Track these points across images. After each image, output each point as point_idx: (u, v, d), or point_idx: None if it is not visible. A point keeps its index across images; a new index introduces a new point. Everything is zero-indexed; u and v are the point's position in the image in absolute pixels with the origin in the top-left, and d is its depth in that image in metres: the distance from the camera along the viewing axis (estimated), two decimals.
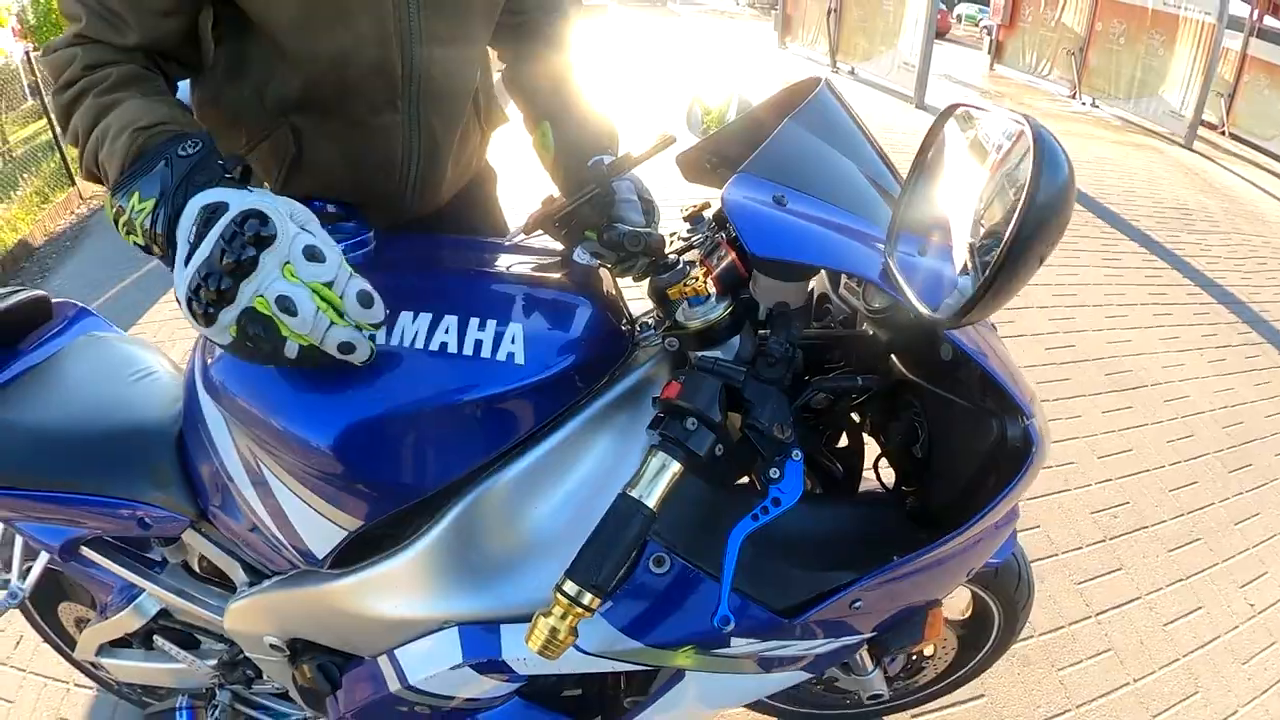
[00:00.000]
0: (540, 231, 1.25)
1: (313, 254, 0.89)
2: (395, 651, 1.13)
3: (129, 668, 1.86)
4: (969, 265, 0.84)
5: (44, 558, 1.70)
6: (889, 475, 1.24)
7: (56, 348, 1.75)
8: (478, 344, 1.02)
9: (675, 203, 1.23)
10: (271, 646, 1.36)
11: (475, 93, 1.51)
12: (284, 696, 1.68)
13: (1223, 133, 13.21)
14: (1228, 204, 7.92)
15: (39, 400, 1.60)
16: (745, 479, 1.08)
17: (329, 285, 0.89)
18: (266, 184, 1.32)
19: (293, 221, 0.90)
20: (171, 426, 1.43)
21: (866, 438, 1.27)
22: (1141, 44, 12.69)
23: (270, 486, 1.13)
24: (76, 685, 2.39)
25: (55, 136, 9.24)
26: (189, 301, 0.87)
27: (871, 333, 1.15)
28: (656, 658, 1.08)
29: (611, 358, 1.13)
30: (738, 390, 0.94)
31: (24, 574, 1.77)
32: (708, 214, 1.13)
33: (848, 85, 12.54)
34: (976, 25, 27.29)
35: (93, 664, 1.93)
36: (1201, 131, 11.85)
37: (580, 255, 1.18)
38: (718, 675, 1.14)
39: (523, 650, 1.00)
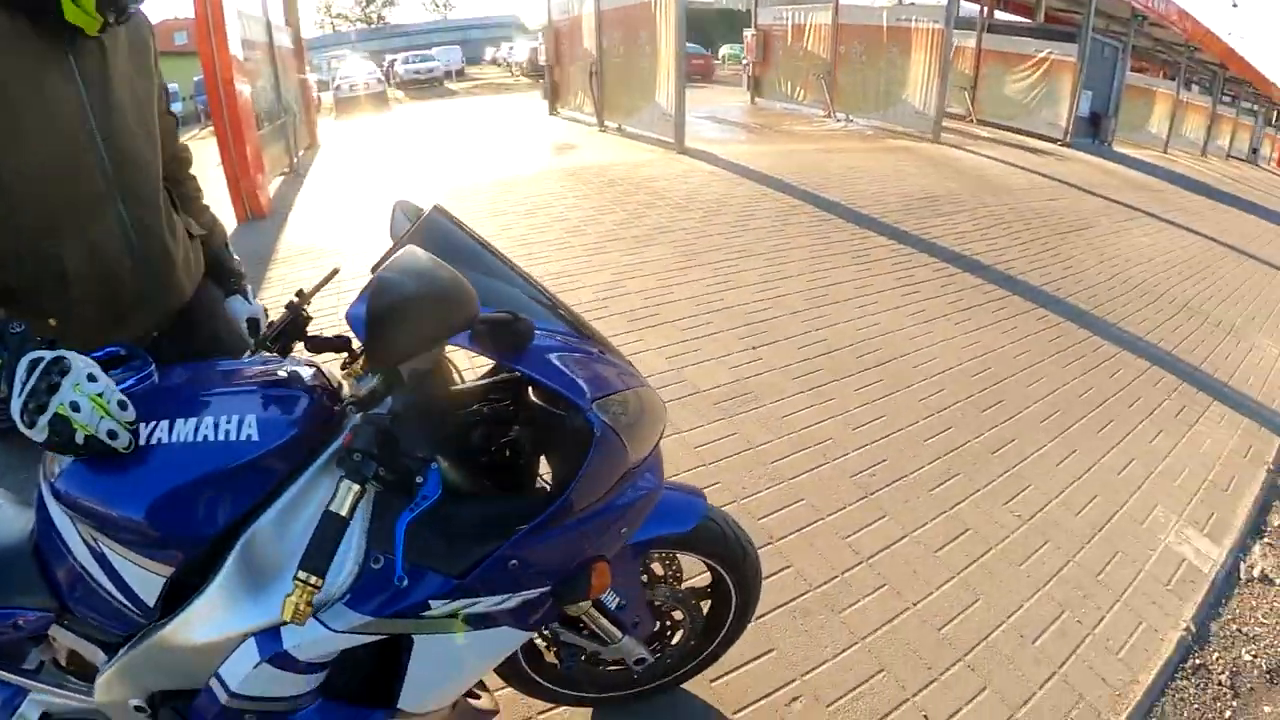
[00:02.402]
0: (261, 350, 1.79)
1: (92, 377, 1.41)
2: (219, 670, 1.50)
3: None
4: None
5: None
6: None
7: None
8: (226, 432, 1.44)
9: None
10: (136, 709, 1.66)
11: (165, 191, 2.01)
12: None
13: (970, 121, 14.57)
14: (975, 183, 8.76)
15: None
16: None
17: (100, 395, 1.40)
18: (52, 320, 1.81)
19: (80, 361, 1.43)
20: (25, 541, 1.70)
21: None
22: (882, 58, 13.91)
23: (107, 557, 1.49)
24: None
25: None
26: (20, 415, 1.38)
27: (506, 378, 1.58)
28: (385, 626, 1.47)
29: (326, 427, 1.53)
30: (389, 433, 1.34)
31: None
32: None
33: (617, 140, 13.18)
34: (740, 64, 28.85)
35: None
36: (952, 125, 13.00)
37: (294, 361, 1.68)
38: (439, 637, 1.52)
39: (295, 640, 1.39)
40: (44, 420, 1.37)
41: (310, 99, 15.72)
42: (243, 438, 1.45)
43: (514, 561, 1.45)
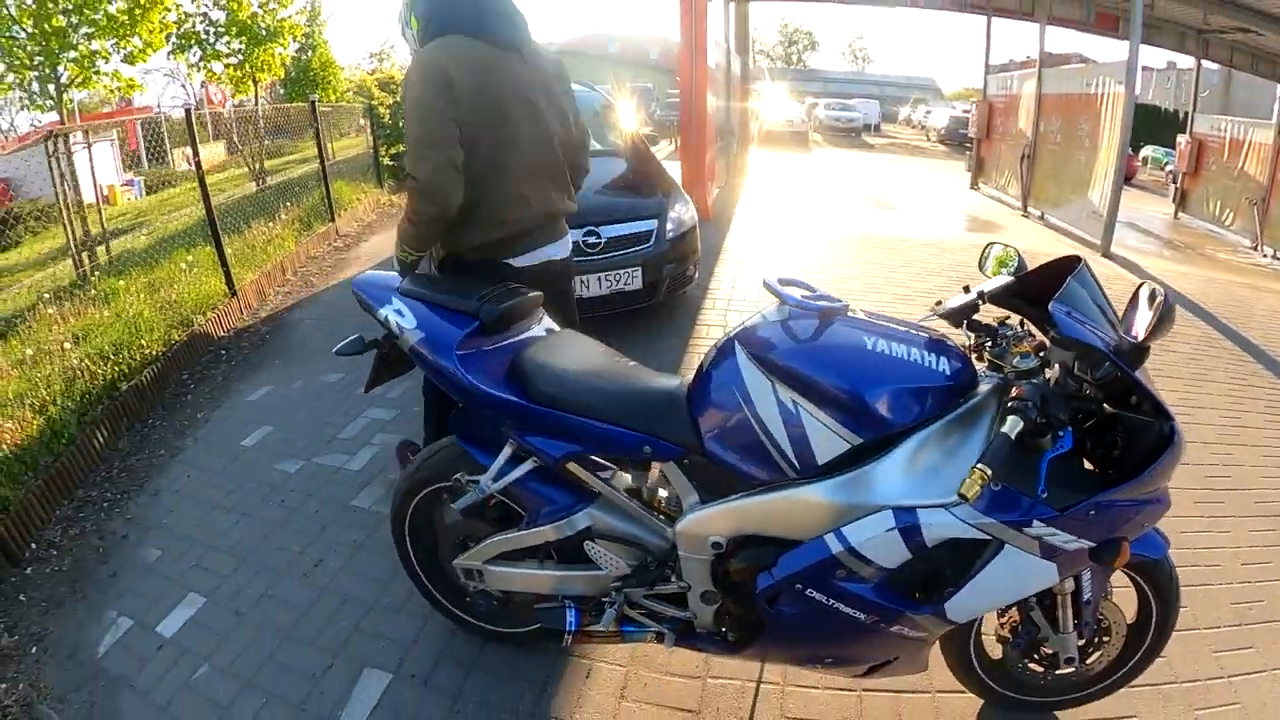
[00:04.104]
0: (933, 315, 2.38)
1: None
2: (842, 528, 2.07)
3: (516, 575, 2.67)
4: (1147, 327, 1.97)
5: (521, 469, 2.50)
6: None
7: (546, 331, 2.74)
8: (930, 362, 2.10)
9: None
10: (712, 545, 2.28)
11: None
12: (671, 601, 2.51)
13: None
14: None
15: (562, 357, 2.51)
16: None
17: None
18: None
19: None
20: (678, 389, 2.33)
21: None
22: None
23: (802, 420, 2.10)
24: (377, 608, 3.32)
25: (325, 173, 10.79)
26: None
27: (1089, 392, 2.14)
28: (996, 529, 2.01)
29: (974, 383, 2.15)
30: (1045, 397, 1.95)
31: (497, 478, 2.52)
32: (1011, 320, 2.31)
33: (1039, 229, 13.29)
34: (1162, 169, 27.15)
35: (467, 571, 2.75)
36: None
37: (970, 334, 2.32)
38: (1020, 553, 2.04)
39: (930, 520, 2.01)
40: None
41: (748, 125, 16.87)
42: (939, 369, 2.08)
43: (1092, 512, 2.01)
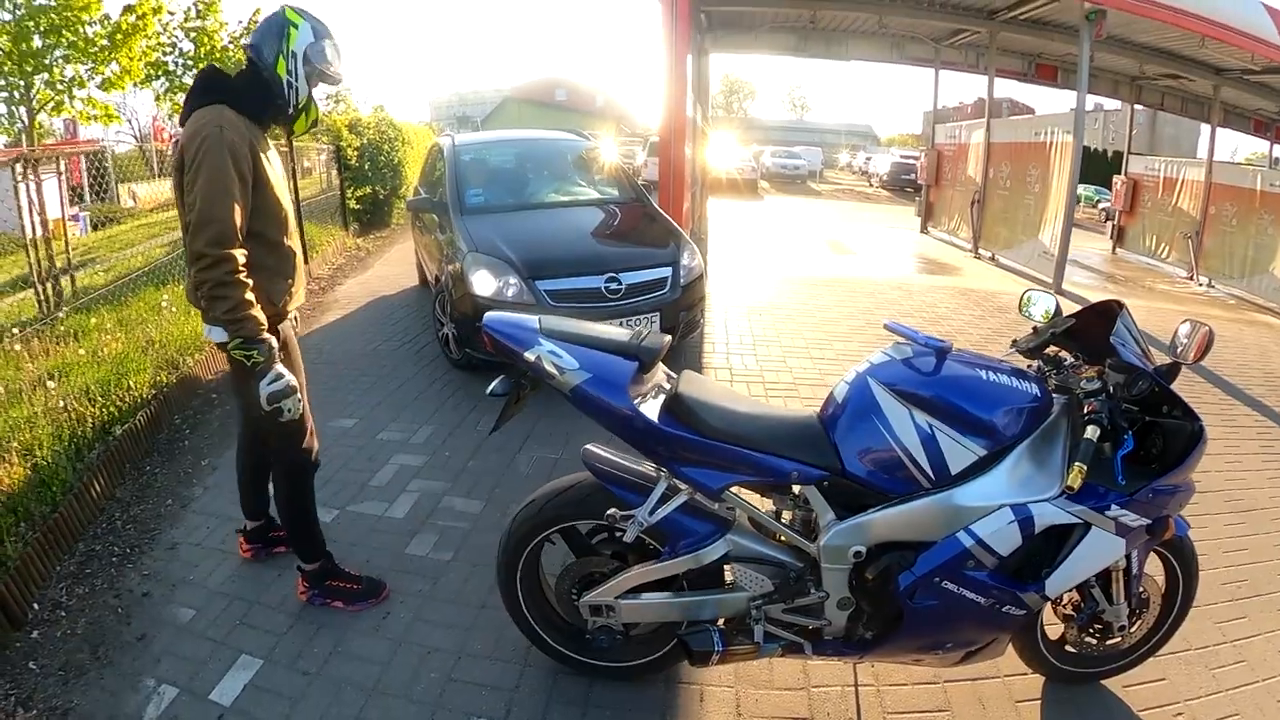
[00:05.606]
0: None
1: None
2: (971, 526, 2.45)
3: (652, 606, 2.79)
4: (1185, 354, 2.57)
5: (675, 503, 2.63)
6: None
7: (675, 377, 2.78)
8: (1024, 387, 2.55)
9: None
10: (853, 554, 2.55)
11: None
12: (803, 612, 2.71)
13: None
14: None
15: (711, 394, 2.68)
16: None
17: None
18: None
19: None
20: (811, 419, 2.65)
21: None
22: (1252, 224, 13.47)
23: (937, 439, 2.48)
24: (466, 655, 3.22)
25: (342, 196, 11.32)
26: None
27: (1124, 406, 2.54)
28: (1086, 514, 2.47)
29: (1051, 403, 2.59)
30: (1112, 409, 2.43)
31: (653, 512, 2.62)
32: (1064, 356, 2.82)
33: (993, 270, 13.89)
34: (1094, 206, 27.98)
35: (595, 607, 2.80)
36: None
37: (1035, 365, 2.82)
38: (1102, 533, 2.50)
39: (1039, 511, 2.45)
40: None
41: (708, 173, 17.12)
42: (1032, 392, 2.53)
43: (1151, 495, 2.50)
